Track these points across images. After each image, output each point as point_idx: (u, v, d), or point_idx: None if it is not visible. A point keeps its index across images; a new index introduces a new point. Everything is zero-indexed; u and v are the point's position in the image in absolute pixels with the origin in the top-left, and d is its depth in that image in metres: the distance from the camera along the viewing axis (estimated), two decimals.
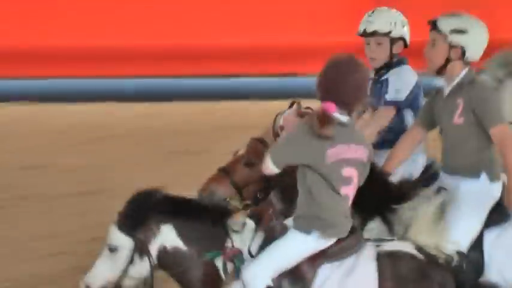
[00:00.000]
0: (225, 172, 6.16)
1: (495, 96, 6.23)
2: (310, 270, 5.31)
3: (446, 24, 6.02)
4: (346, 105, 4.96)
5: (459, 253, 5.62)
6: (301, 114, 5.85)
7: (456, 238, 5.74)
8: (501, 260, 5.90)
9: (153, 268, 5.46)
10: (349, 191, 5.21)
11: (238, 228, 5.43)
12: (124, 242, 5.38)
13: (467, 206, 5.94)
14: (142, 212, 5.53)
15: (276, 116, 6.28)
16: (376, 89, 6.67)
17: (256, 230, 5.36)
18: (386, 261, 5.43)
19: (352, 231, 5.40)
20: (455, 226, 5.85)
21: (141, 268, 5.42)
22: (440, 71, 5.84)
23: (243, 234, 5.34)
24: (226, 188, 6.03)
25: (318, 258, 5.29)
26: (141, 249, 5.43)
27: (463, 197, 5.90)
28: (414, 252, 5.56)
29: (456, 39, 6.01)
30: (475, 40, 6.10)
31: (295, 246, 5.30)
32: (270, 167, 5.11)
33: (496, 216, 5.92)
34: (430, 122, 5.92)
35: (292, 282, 5.38)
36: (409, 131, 6.13)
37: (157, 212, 5.46)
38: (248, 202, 6.14)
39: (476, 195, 5.94)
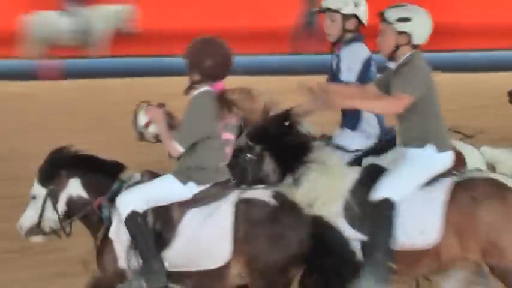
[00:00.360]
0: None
1: (413, 73, 6.63)
2: (179, 212, 6.18)
3: (392, 15, 6.55)
4: (213, 78, 5.99)
5: (385, 199, 6.40)
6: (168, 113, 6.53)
7: (390, 189, 6.47)
8: (412, 217, 6.41)
9: (59, 213, 6.36)
10: (230, 136, 6.19)
11: (125, 179, 6.28)
12: (40, 192, 6.33)
13: (407, 168, 6.53)
14: (54, 168, 6.45)
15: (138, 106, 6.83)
16: (333, 62, 7.11)
17: (140, 182, 6.19)
18: (242, 207, 6.15)
19: (225, 180, 6.20)
20: (387, 180, 6.44)
21: (52, 214, 6.41)
22: (392, 56, 6.39)
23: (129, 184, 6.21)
24: None
25: (187, 203, 6.12)
26: (53, 197, 6.38)
27: (405, 162, 6.53)
28: (270, 199, 6.31)
29: (402, 27, 6.59)
30: (419, 26, 6.68)
31: (170, 189, 6.17)
32: (178, 149, 5.95)
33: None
34: (384, 90, 6.45)
35: (160, 219, 6.25)
36: (365, 86, 6.67)
37: (66, 168, 6.37)
38: None
39: (419, 161, 6.53)
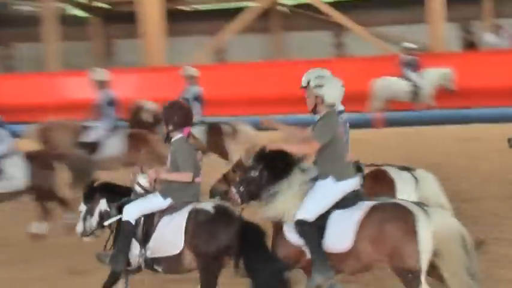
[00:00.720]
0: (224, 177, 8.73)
1: (322, 125, 7.65)
2: (156, 217, 7.84)
3: (312, 83, 7.77)
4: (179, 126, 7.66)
5: (300, 220, 7.40)
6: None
7: (304, 211, 7.45)
8: (335, 229, 7.40)
9: (98, 223, 8.09)
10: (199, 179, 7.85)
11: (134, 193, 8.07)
12: (83, 208, 8.14)
13: (316, 194, 7.53)
14: (91, 192, 8.16)
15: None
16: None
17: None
18: (193, 214, 7.66)
19: (191, 195, 7.74)
20: (305, 205, 7.45)
21: (92, 222, 8.11)
22: (314, 112, 7.63)
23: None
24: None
25: (163, 211, 7.77)
26: (90, 211, 8.11)
27: (315, 189, 7.53)
28: (211, 209, 7.74)
29: (317, 92, 7.74)
30: (330, 91, 7.76)
31: (154, 202, 7.81)
32: (187, 177, 7.68)
33: (343, 202, 7.49)
34: None
35: (147, 221, 7.85)
36: (305, 130, 7.97)
37: (99, 191, 8.10)
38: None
39: (323, 189, 7.51)
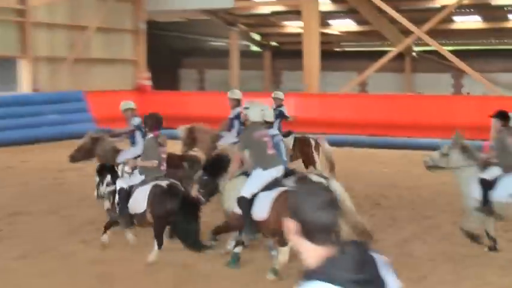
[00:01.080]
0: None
1: (241, 137, 8.40)
2: (134, 187, 8.62)
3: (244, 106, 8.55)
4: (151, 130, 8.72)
5: (241, 196, 8.00)
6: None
7: (243, 191, 8.02)
8: (259, 204, 7.98)
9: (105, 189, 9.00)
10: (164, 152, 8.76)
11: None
12: (96, 179, 9.14)
13: (251, 179, 8.11)
14: (101, 170, 9.09)
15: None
16: None
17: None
18: (153, 187, 8.44)
19: (155, 176, 8.52)
20: (245, 187, 8.03)
21: (102, 189, 9.03)
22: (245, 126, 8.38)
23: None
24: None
25: (138, 184, 8.59)
26: (101, 181, 9.05)
27: (251, 176, 8.15)
28: (164, 184, 8.42)
29: (244, 112, 8.57)
30: (252, 111, 8.34)
31: (136, 178, 8.78)
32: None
33: (267, 187, 8.04)
34: None
35: (130, 189, 8.68)
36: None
37: (106, 170, 9.10)
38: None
39: (254, 175, 8.13)
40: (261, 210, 7.87)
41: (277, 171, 8.13)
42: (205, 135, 12.94)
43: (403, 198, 11.42)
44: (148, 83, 26.91)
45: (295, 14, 28.23)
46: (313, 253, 2.38)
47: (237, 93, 12.96)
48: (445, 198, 12.38)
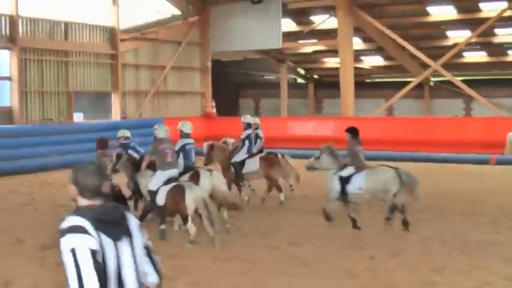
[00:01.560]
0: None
1: (152, 145, 9.12)
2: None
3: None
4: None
5: (149, 190, 9.06)
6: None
7: (150, 185, 9.01)
8: (160, 195, 8.96)
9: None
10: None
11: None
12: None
13: (155, 177, 9.17)
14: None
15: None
16: None
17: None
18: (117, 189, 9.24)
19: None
20: (150, 182, 9.12)
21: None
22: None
23: None
24: None
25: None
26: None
27: (154, 176, 9.22)
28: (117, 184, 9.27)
29: (155, 131, 9.27)
30: (160, 131, 9.33)
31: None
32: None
33: (166, 182, 9.03)
34: None
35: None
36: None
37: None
38: None
39: (157, 175, 9.15)
40: (160, 199, 8.83)
41: (173, 173, 9.14)
42: (222, 152, 12.53)
43: (424, 203, 11.08)
44: (213, 110, 27.07)
45: (333, 52, 28.12)
46: (83, 204, 3.01)
47: (248, 118, 12.56)
48: (458, 203, 12.38)
